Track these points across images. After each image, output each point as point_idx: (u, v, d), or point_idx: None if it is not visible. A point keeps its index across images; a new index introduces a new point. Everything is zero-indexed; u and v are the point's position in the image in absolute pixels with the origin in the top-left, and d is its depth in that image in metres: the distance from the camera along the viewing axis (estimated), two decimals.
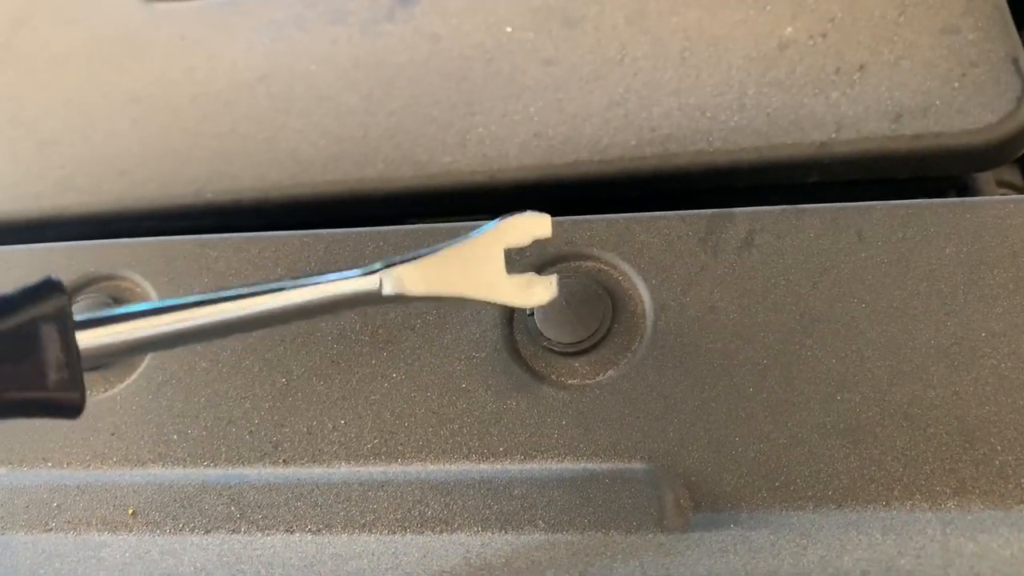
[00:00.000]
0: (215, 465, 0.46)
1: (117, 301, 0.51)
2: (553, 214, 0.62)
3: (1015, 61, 0.57)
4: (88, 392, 0.47)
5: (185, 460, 0.46)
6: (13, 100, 0.68)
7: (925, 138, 0.54)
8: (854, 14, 0.60)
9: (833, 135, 0.55)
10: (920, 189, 0.65)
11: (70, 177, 0.63)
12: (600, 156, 0.57)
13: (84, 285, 0.52)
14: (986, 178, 0.66)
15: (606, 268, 0.48)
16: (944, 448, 0.40)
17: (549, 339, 0.46)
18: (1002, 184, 0.84)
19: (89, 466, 0.47)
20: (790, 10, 0.60)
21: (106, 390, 0.49)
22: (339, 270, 0.47)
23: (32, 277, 0.52)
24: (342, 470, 0.44)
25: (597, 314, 0.46)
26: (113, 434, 0.48)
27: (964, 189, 0.64)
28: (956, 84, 0.56)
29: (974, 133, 0.54)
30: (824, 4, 0.60)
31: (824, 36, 0.60)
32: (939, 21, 0.59)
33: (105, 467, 0.47)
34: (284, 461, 0.45)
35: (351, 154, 0.60)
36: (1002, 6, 0.59)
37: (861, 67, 0.58)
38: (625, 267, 0.47)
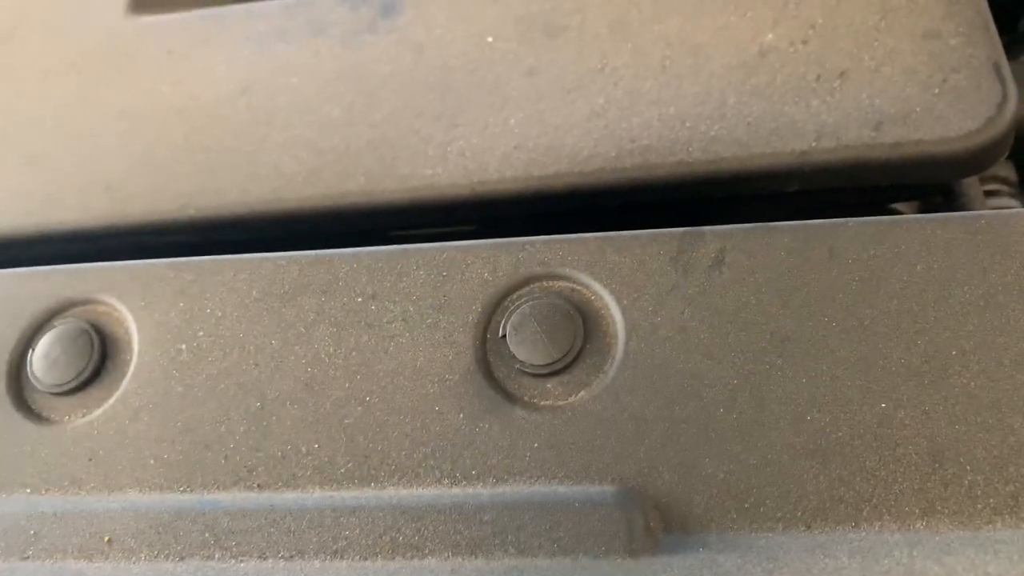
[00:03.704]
0: (191, 490, 0.46)
1: (94, 326, 0.51)
2: (534, 226, 0.62)
3: (996, 66, 0.57)
4: (66, 417, 0.48)
5: (161, 485, 0.46)
6: (0, 115, 0.68)
7: (905, 146, 0.54)
8: (835, 20, 0.60)
9: (813, 144, 0.55)
10: (903, 195, 0.65)
11: (57, 193, 0.63)
12: (580, 168, 0.57)
13: (61, 309, 0.52)
14: (971, 181, 0.65)
15: (578, 288, 0.48)
16: (913, 468, 0.40)
17: (522, 361, 0.46)
18: (995, 179, 0.84)
19: (67, 491, 0.47)
20: (772, 16, 0.60)
21: (84, 415, 0.49)
22: (313, 293, 0.48)
23: (9, 302, 0.53)
24: (316, 495, 0.44)
25: (569, 335, 0.46)
26: (90, 459, 0.48)
27: (950, 193, 0.64)
28: (937, 90, 0.56)
29: (955, 140, 0.54)
30: (806, 10, 0.60)
31: (805, 43, 0.59)
32: (920, 26, 0.59)
33: (83, 492, 0.47)
34: (259, 486, 0.45)
35: (333, 167, 0.60)
36: (983, 10, 0.59)
37: (842, 74, 0.58)
38: (597, 287, 0.47)
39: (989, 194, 0.83)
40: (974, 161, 0.55)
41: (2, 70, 0.71)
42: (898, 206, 0.66)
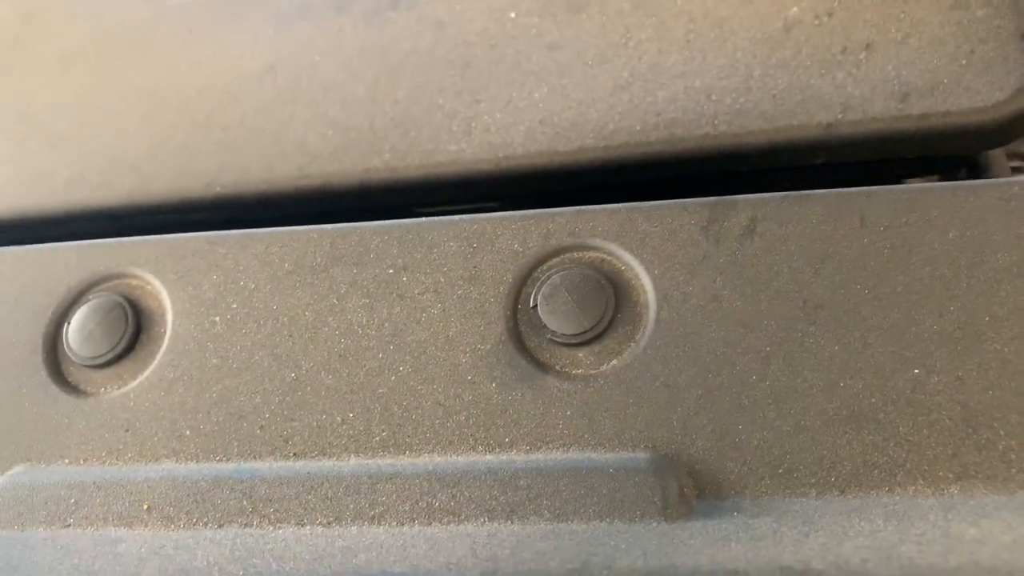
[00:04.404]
0: (227, 460, 0.46)
1: (128, 299, 0.51)
2: (559, 201, 0.62)
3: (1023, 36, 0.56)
4: (102, 389, 0.49)
5: (198, 455, 0.47)
6: (24, 96, 0.69)
7: (932, 117, 0.54)
8: None
9: (839, 116, 0.55)
10: (931, 167, 0.65)
11: (82, 173, 0.64)
12: (605, 142, 0.57)
13: (95, 284, 0.53)
14: (997, 154, 0.65)
15: (608, 258, 0.48)
16: (947, 434, 0.40)
17: (553, 330, 0.46)
18: (1017, 155, 0.83)
19: (105, 462, 0.48)
20: None
21: (119, 387, 0.50)
22: (345, 265, 0.48)
23: (44, 276, 0.53)
24: (351, 463, 0.45)
25: (600, 305, 0.46)
26: (127, 430, 0.48)
27: (975, 166, 0.64)
28: (964, 61, 0.55)
29: (982, 111, 0.54)
30: None
31: (830, 15, 0.59)
32: None
33: (120, 463, 0.48)
34: (295, 455, 0.46)
35: (357, 144, 0.60)
36: None
37: (867, 46, 0.58)
38: (627, 257, 0.47)
39: (1012, 171, 0.82)
40: (1002, 132, 0.55)
41: (26, 51, 0.72)
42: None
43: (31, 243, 0.61)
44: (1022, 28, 0.56)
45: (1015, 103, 0.54)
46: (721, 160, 0.57)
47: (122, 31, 0.70)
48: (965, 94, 0.54)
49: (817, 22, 0.59)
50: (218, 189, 0.61)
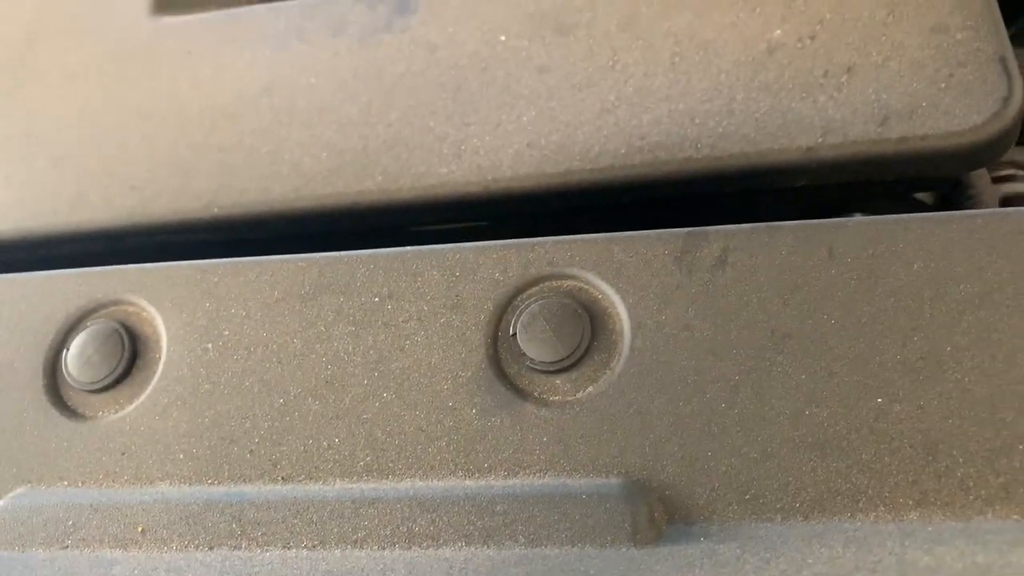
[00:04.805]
0: (219, 483, 0.48)
1: (124, 326, 0.53)
2: (548, 220, 0.64)
3: (1002, 60, 0.57)
4: (100, 413, 0.51)
5: (191, 478, 0.49)
6: (29, 116, 0.70)
7: (911, 140, 0.55)
8: (843, 14, 0.60)
9: (820, 139, 0.56)
10: (912, 188, 0.66)
11: (84, 194, 0.65)
12: (591, 165, 0.59)
13: (93, 310, 0.55)
14: (980, 173, 0.66)
15: (586, 287, 0.50)
16: (908, 461, 0.42)
17: (532, 358, 0.48)
18: (1013, 164, 0.84)
19: (102, 485, 0.50)
20: (780, 12, 0.61)
21: (116, 411, 0.52)
22: (332, 293, 0.50)
23: (44, 303, 0.55)
24: (336, 487, 0.47)
25: (577, 333, 0.48)
26: (123, 454, 0.50)
27: (959, 184, 0.65)
28: (943, 85, 0.57)
29: (960, 135, 0.55)
30: (814, 5, 0.61)
31: (813, 38, 0.60)
32: (928, 20, 0.59)
33: (117, 485, 0.50)
34: (282, 479, 0.48)
35: (351, 166, 0.62)
36: (991, 3, 0.60)
37: (849, 69, 0.59)
38: (604, 286, 0.49)
39: (1004, 179, 0.83)
40: (978, 156, 0.56)
41: (28, 72, 0.74)
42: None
43: (35, 262, 0.63)
44: (1000, 51, 0.57)
45: (991, 127, 0.55)
46: (704, 183, 0.58)
47: (123, 51, 0.72)
48: (943, 117, 0.55)
49: (800, 45, 0.60)
50: (216, 210, 0.63)
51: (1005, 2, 0.62)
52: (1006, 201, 0.83)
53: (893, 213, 0.64)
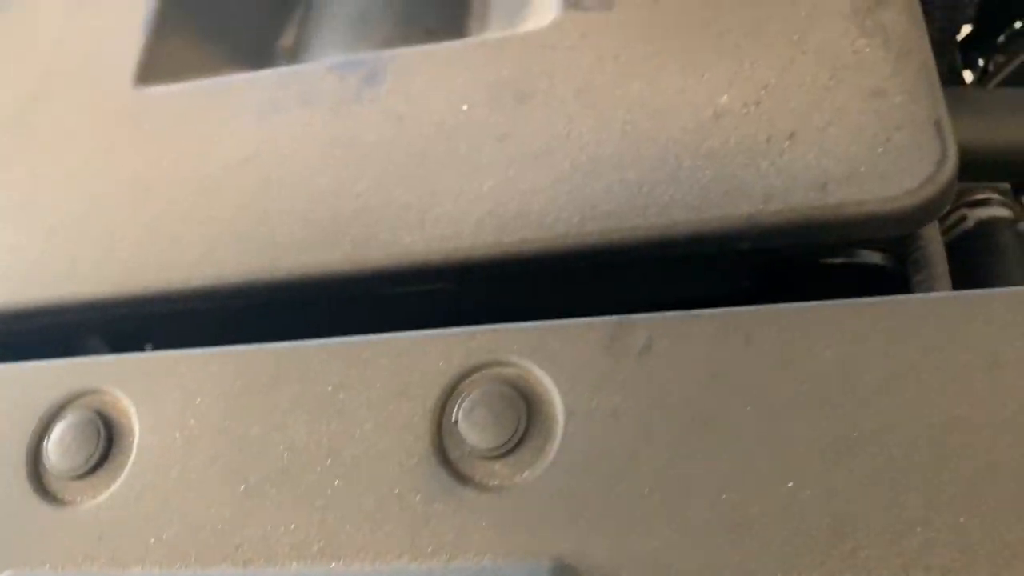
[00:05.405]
0: (186, 567, 0.52)
1: (100, 415, 0.57)
2: (503, 288, 0.67)
3: (937, 123, 0.59)
4: (78, 499, 0.54)
5: (162, 562, 0.52)
6: (22, 185, 0.74)
7: (848, 206, 0.57)
8: (788, 79, 0.63)
9: (761, 206, 0.59)
10: (858, 247, 0.68)
11: (73, 265, 0.69)
12: (546, 233, 0.62)
13: (71, 399, 0.59)
14: (930, 228, 0.68)
15: (524, 374, 0.53)
16: (816, 544, 0.44)
17: (473, 444, 0.51)
18: (987, 188, 0.86)
19: (80, 567, 0.54)
20: (727, 77, 0.64)
21: (94, 497, 0.56)
22: (288, 383, 0.53)
23: (26, 394, 0.59)
24: (292, 569, 0.50)
25: (514, 419, 0.51)
26: (100, 538, 0.54)
27: (907, 238, 0.67)
28: (880, 149, 0.59)
29: (894, 200, 0.57)
30: (760, 70, 0.63)
31: (758, 104, 0.63)
32: (868, 84, 0.62)
33: (95, 568, 0.53)
34: (244, 562, 0.51)
35: (321, 237, 0.65)
36: (929, 66, 0.62)
37: (791, 135, 0.61)
38: (539, 373, 0.52)
39: (980, 203, 0.85)
40: (914, 218, 0.58)
41: (19, 143, 0.78)
42: None
43: (25, 333, 0.67)
44: (935, 116, 0.60)
45: (924, 191, 0.57)
46: (652, 249, 0.61)
47: (109, 121, 0.76)
48: (879, 182, 0.58)
49: (745, 111, 0.63)
50: (197, 282, 0.67)
51: (996, 10, 0.63)
52: (984, 225, 0.85)
53: (843, 272, 0.67)
